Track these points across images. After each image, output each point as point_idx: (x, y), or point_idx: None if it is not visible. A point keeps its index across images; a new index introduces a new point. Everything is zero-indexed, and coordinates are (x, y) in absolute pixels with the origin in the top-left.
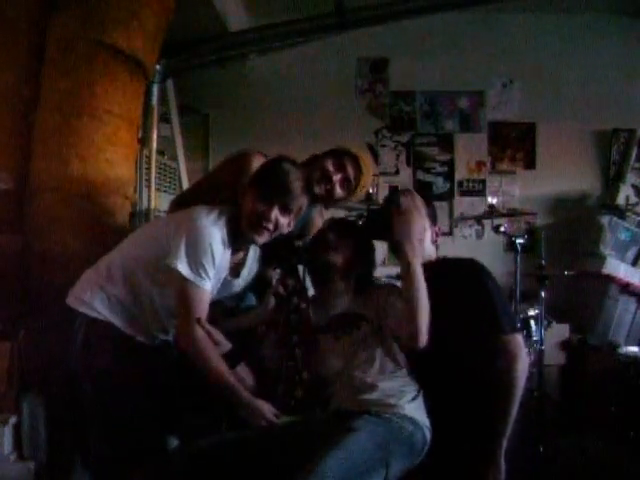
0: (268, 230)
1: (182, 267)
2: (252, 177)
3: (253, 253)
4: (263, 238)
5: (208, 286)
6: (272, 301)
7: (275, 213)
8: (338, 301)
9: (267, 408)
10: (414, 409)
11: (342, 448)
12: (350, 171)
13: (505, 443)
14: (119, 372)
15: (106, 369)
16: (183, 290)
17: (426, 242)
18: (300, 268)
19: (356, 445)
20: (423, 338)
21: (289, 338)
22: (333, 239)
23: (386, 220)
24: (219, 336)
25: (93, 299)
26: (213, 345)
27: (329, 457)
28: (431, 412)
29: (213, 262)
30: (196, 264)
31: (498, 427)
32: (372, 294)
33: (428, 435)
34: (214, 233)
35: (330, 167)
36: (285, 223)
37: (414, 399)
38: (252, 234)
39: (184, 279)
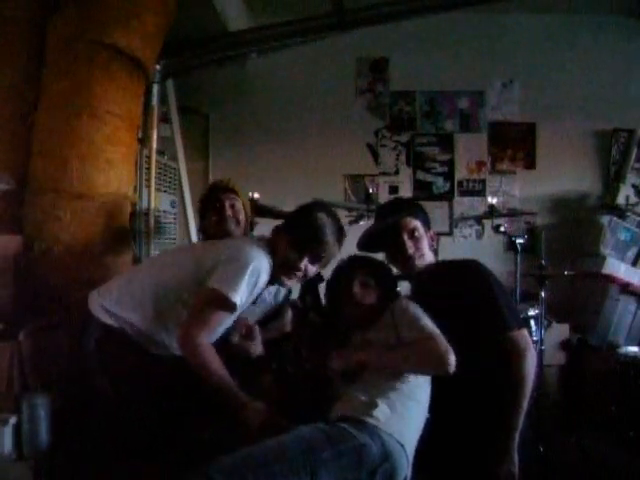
0: (297, 276)
1: (225, 288)
2: (287, 223)
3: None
4: (290, 282)
5: (235, 313)
6: (289, 314)
7: (305, 263)
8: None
9: (265, 410)
10: (393, 424)
11: (259, 445)
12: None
13: (518, 437)
14: (133, 374)
15: (121, 370)
16: (213, 302)
17: (424, 249)
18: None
19: (271, 445)
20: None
21: (299, 351)
22: (359, 293)
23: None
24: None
25: (119, 312)
26: (214, 352)
27: (238, 451)
28: (443, 412)
29: (250, 292)
30: (240, 290)
31: (511, 421)
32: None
33: (397, 454)
34: (265, 271)
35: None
36: (314, 270)
37: (401, 415)
38: (282, 277)
39: (223, 296)
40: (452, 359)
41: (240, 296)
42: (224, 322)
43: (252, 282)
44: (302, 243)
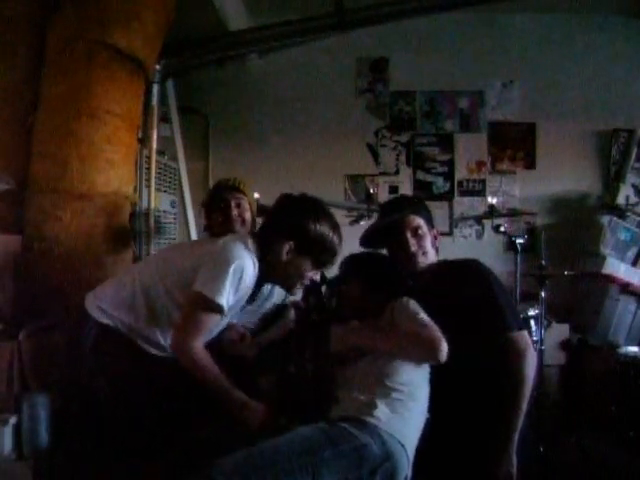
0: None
1: (209, 291)
2: (305, 242)
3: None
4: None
5: (222, 315)
6: (292, 314)
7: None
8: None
9: (265, 410)
10: (393, 423)
11: (260, 446)
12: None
13: (517, 437)
14: (131, 373)
15: (118, 370)
16: (200, 306)
17: (427, 247)
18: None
19: (272, 446)
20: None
21: (302, 351)
22: (360, 294)
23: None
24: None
25: (114, 313)
26: (209, 355)
27: (240, 452)
28: (443, 412)
29: (236, 291)
30: (224, 291)
31: (510, 422)
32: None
33: (398, 453)
34: (249, 268)
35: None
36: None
37: (402, 415)
38: (293, 288)
39: (208, 299)
40: (444, 347)
41: (225, 297)
42: (215, 324)
43: (235, 282)
44: (323, 263)
